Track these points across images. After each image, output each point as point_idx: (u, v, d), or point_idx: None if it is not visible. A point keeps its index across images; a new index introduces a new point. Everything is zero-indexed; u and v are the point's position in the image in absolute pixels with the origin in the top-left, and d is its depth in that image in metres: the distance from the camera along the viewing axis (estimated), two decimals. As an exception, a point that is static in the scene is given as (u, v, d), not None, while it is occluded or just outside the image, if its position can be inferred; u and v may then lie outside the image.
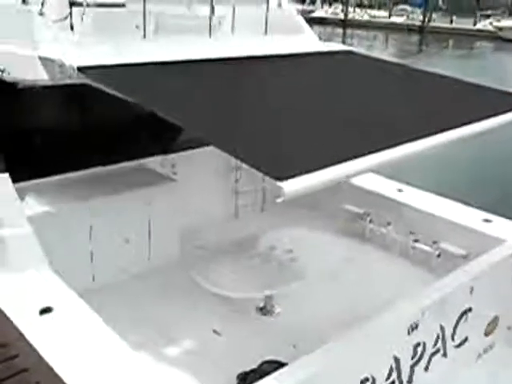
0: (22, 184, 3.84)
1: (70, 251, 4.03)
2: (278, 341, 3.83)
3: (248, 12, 4.63)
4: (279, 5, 5.06)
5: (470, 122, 3.10)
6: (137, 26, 4.12)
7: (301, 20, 5.15)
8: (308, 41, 5.05)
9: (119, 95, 3.36)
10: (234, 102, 3.30)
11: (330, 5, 60.21)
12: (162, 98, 3.16)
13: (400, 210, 4.87)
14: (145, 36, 4.00)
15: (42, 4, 3.59)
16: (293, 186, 2.09)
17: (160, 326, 3.95)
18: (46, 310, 2.99)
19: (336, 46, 5.25)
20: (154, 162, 4.86)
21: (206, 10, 4.34)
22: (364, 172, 2.47)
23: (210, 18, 4.29)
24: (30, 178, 4.11)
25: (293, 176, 2.12)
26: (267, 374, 2.65)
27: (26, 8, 3.70)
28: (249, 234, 4.80)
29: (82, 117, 4.39)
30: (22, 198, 3.78)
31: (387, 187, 5.12)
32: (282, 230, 4.97)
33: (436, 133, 2.86)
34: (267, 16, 4.66)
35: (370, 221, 5.13)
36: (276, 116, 3.12)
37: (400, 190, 5.05)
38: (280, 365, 2.87)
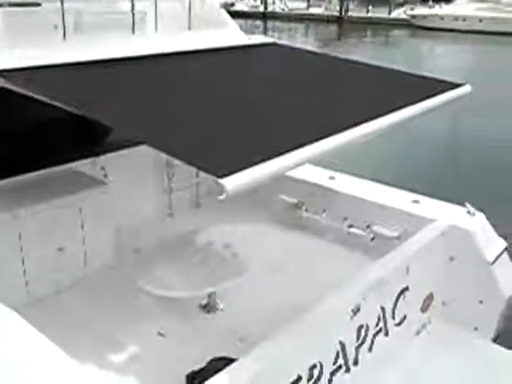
0: None
1: (0, 265, 3.85)
2: (224, 337, 3.82)
3: (171, 7, 4.57)
4: None
5: (398, 108, 3.19)
6: (55, 26, 3.96)
7: (224, 14, 5.14)
8: (232, 34, 5.04)
9: (41, 98, 3.23)
10: (163, 99, 3.25)
11: (249, -2, 60.41)
12: (88, 99, 3.06)
13: (333, 197, 4.96)
14: (65, 36, 3.86)
15: None
16: (234, 182, 2.07)
17: (102, 333, 3.85)
18: None
19: (260, 38, 5.27)
20: (82, 166, 4.70)
21: (126, 5, 4.23)
22: (305, 162, 2.48)
23: (133, 14, 4.19)
24: None
25: (233, 172, 2.10)
26: (216, 371, 2.64)
27: None
28: (186, 232, 4.75)
29: (3, 123, 4.18)
30: None
31: (320, 176, 5.20)
32: (219, 224, 4.95)
33: (369, 119, 2.93)
34: (190, 11, 4.62)
35: (306, 210, 5.19)
36: (207, 111, 3.09)
37: (332, 178, 5.14)
38: (228, 361, 2.86)
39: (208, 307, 4.22)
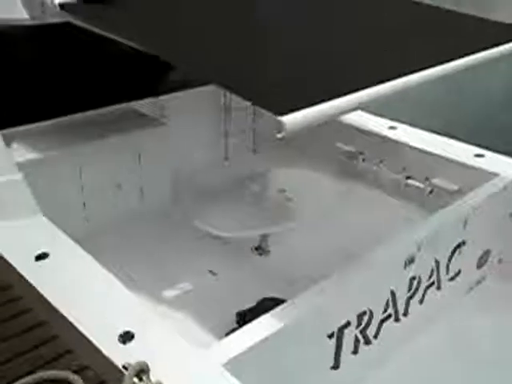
0: (8, 130, 3.75)
1: (61, 198, 3.97)
2: (274, 280, 3.86)
3: None
4: None
5: (466, 55, 3.03)
6: None
7: None
8: None
9: (105, 34, 3.22)
10: (228, 37, 3.18)
11: None
12: (152, 35, 3.04)
13: (392, 147, 4.83)
14: None
15: None
16: (294, 120, 2.03)
17: (156, 268, 3.96)
18: (41, 256, 2.96)
19: None
20: (142, 105, 4.75)
21: None
22: (367, 104, 2.42)
23: None
24: (16, 124, 4.01)
25: (293, 110, 2.06)
26: (266, 311, 2.67)
27: None
28: (241, 176, 4.77)
29: (66, 58, 4.23)
30: (8, 145, 3.70)
31: (378, 125, 5.07)
32: (274, 170, 4.94)
33: (441, 63, 2.81)
34: None
35: (363, 159, 5.09)
36: (269, 48, 3.02)
37: (392, 128, 5.00)
38: (279, 301, 2.89)
39: (260, 250, 4.26)
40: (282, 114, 2.02)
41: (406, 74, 2.62)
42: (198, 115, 5.10)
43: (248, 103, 4.54)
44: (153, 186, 4.64)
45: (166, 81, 4.86)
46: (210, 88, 4.84)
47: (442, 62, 2.88)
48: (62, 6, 3.12)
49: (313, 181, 4.60)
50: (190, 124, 4.96)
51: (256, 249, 4.26)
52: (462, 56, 3.02)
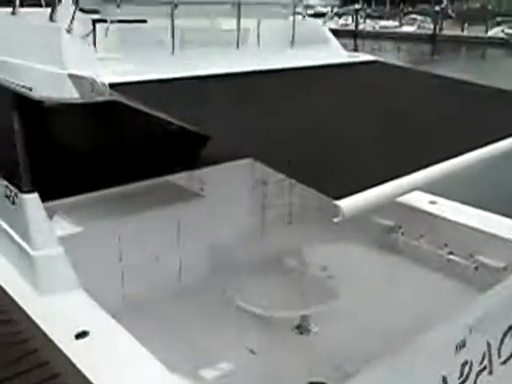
0: (51, 203, 3.80)
1: (101, 270, 3.95)
2: (318, 361, 3.71)
3: (274, 24, 4.57)
4: (304, 17, 5.00)
5: None
6: (161, 42, 4.06)
7: (326, 31, 5.08)
8: (334, 52, 4.97)
9: (149, 111, 3.30)
10: (267, 115, 3.22)
11: (340, 17, 60.11)
12: (194, 113, 3.10)
13: (433, 221, 4.74)
14: (173, 51, 3.93)
15: (71, 21, 3.52)
16: (351, 204, 1.98)
17: (194, 345, 3.85)
18: (81, 335, 2.93)
19: (362, 56, 5.16)
20: (181, 178, 4.79)
21: (229, 23, 4.27)
22: (420, 186, 2.37)
23: (238, 30, 4.21)
24: (58, 197, 4.06)
25: (350, 194, 2.01)
26: None
27: (54, 25, 3.64)
28: (279, 250, 4.70)
29: (111, 134, 4.34)
30: (50, 218, 3.74)
31: (418, 199, 5.00)
32: (312, 244, 4.87)
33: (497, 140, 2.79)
34: (294, 28, 4.59)
35: (402, 233, 5.00)
36: (313, 129, 3.03)
37: (432, 202, 4.93)
38: (325, 387, 2.76)
39: (301, 329, 4.12)
40: (339, 197, 1.97)
41: (462, 153, 2.58)
42: (235, 188, 5.12)
43: (284, 176, 4.57)
44: (191, 258, 4.60)
45: (202, 154, 4.92)
46: (247, 161, 4.88)
47: (498, 139, 2.85)
48: (111, 85, 3.20)
49: (353, 256, 4.52)
50: (228, 197, 4.97)
51: (297, 327, 4.12)
52: None
